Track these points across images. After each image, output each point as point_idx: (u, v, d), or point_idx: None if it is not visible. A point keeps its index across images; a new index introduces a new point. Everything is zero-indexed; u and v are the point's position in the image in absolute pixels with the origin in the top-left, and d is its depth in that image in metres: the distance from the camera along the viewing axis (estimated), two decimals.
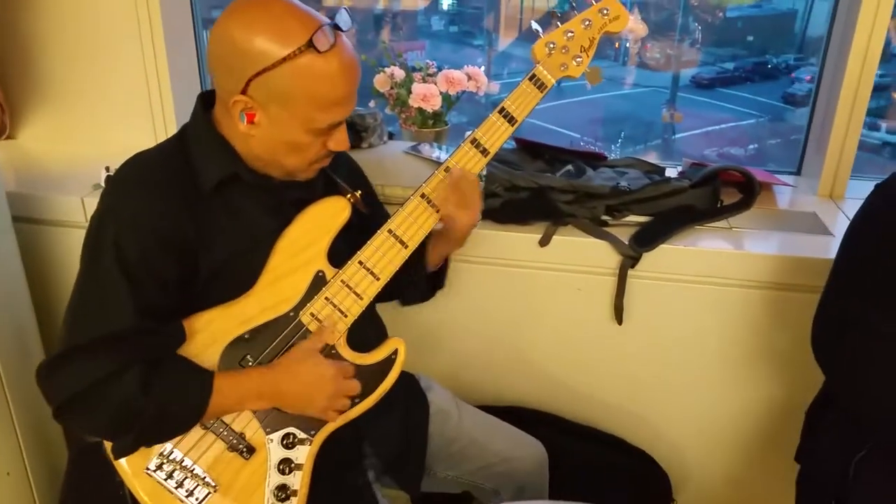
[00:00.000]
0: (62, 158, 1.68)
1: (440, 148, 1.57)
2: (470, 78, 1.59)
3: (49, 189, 1.54)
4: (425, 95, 1.56)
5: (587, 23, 1.06)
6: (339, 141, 0.99)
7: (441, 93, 1.58)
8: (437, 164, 1.46)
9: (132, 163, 1.00)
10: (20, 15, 1.61)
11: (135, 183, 0.96)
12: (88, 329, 0.92)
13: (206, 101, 1.01)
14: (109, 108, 1.71)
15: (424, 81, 1.59)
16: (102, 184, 1.53)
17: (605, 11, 1.05)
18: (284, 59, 0.88)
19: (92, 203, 1.48)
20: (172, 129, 1.73)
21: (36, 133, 1.72)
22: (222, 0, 0.99)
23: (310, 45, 0.88)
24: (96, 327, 0.92)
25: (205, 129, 0.99)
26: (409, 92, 1.58)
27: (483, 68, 1.63)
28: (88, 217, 1.45)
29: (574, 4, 1.06)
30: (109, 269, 0.92)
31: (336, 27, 0.92)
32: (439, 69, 1.61)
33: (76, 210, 1.51)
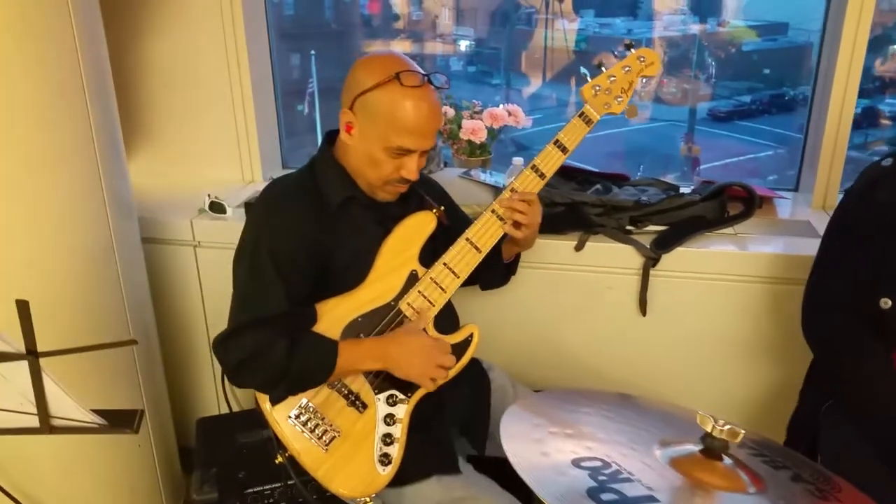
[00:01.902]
0: (165, 190, 2.10)
1: (487, 172, 1.96)
2: (510, 114, 1.99)
3: (163, 213, 1.94)
4: (474, 129, 1.96)
5: (627, 69, 1.38)
6: (410, 170, 1.30)
7: (486, 127, 1.97)
8: (487, 185, 1.86)
9: (274, 187, 1.38)
10: (136, 75, 2.05)
11: (279, 202, 1.34)
12: (251, 312, 1.29)
13: (330, 137, 1.40)
14: (203, 148, 2.14)
15: (472, 118, 1.99)
16: (207, 209, 1.94)
17: (641, 59, 1.38)
18: (378, 85, 1.25)
19: (199, 224, 1.90)
20: (257, 165, 2.16)
21: (140, 168, 2.14)
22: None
23: (396, 77, 1.25)
24: (257, 310, 1.29)
25: (329, 159, 1.37)
26: (460, 127, 1.98)
27: (502, 106, 2.00)
28: (196, 236, 1.86)
29: (616, 53, 1.39)
30: (265, 267, 1.28)
31: (429, 79, 1.30)
32: (483, 108, 2.02)
33: (186, 230, 1.92)
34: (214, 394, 2.06)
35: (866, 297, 1.28)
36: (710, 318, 1.79)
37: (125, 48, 1.99)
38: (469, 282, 1.42)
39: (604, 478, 0.71)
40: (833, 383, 1.38)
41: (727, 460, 0.78)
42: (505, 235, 1.41)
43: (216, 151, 2.12)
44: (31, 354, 0.75)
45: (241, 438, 1.64)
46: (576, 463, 0.74)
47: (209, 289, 1.98)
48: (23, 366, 0.76)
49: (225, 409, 1.88)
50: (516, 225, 1.40)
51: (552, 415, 0.89)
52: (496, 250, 1.44)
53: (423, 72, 1.29)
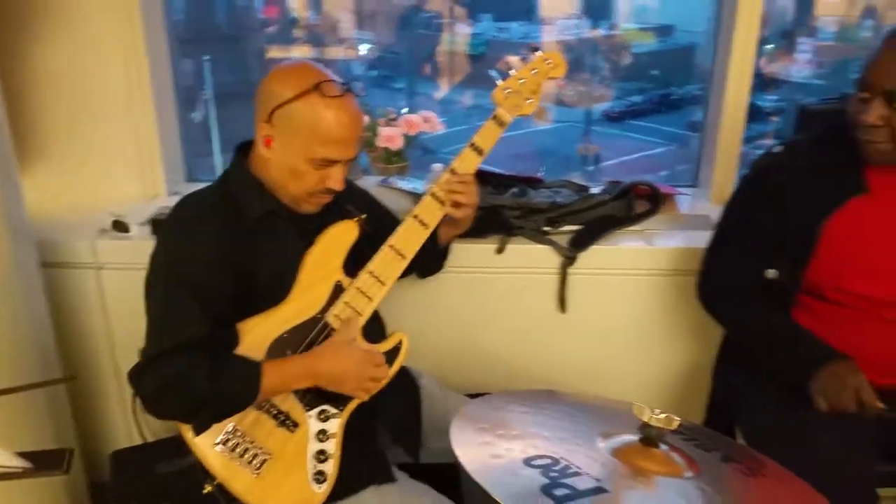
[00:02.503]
0: (63, 209, 1.98)
1: (405, 180, 1.98)
2: (426, 121, 2.02)
3: (61, 235, 1.84)
4: (390, 137, 1.97)
5: (534, 71, 1.42)
6: (336, 180, 1.29)
7: (403, 134, 1.99)
8: (406, 192, 1.88)
9: (185, 204, 1.34)
10: (27, 86, 1.92)
11: (193, 220, 1.31)
12: (168, 339, 1.25)
13: (243, 150, 1.37)
14: (103, 163, 2.02)
15: (388, 125, 2.00)
16: (109, 228, 1.85)
17: (547, 61, 1.43)
18: (297, 97, 1.24)
19: (101, 244, 1.81)
20: (160, 179, 2.07)
21: (35, 186, 1.99)
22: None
23: (317, 88, 1.25)
24: (175, 337, 1.24)
25: (244, 173, 1.34)
26: (376, 135, 1.98)
27: (406, 110, 2.04)
28: (98, 257, 1.78)
29: (523, 57, 1.44)
30: (180, 291, 1.25)
31: (349, 89, 1.30)
32: (398, 115, 2.03)
33: (87, 252, 1.83)
34: (125, 425, 1.97)
35: (755, 268, 1.48)
36: (625, 310, 1.89)
37: (15, 57, 1.86)
38: (407, 271, 1.43)
39: (555, 474, 0.75)
40: (735, 342, 1.60)
41: (664, 447, 0.84)
42: (432, 238, 1.44)
43: (116, 166, 2.02)
44: None
45: (161, 469, 1.57)
46: (527, 462, 0.78)
47: (114, 313, 1.89)
48: None
49: (138, 441, 1.80)
50: (456, 205, 1.43)
51: (495, 418, 0.92)
52: (433, 236, 1.46)
53: (341, 81, 1.29)
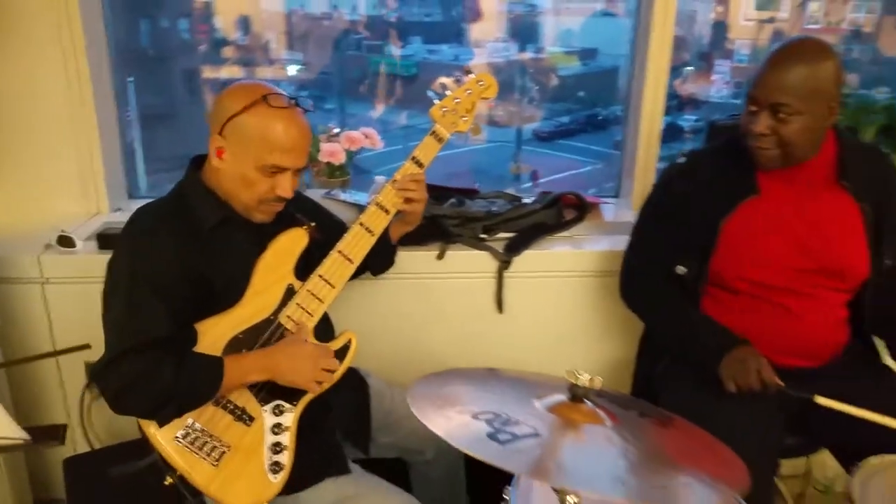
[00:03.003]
0: (6, 225, 2.03)
1: (347, 192, 2.11)
2: (366, 137, 2.17)
3: (5, 250, 1.89)
4: (332, 152, 2.11)
5: (469, 91, 1.59)
6: (284, 188, 1.40)
7: (345, 150, 2.13)
8: (350, 203, 2.02)
9: (143, 215, 1.43)
10: None
11: (151, 228, 1.40)
12: (131, 338, 1.33)
13: (197, 163, 1.48)
14: (45, 181, 2.08)
15: (329, 141, 2.14)
16: (54, 243, 1.91)
17: (480, 83, 1.60)
18: (246, 108, 1.36)
19: (47, 259, 1.88)
20: (103, 196, 2.14)
21: None
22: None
23: (265, 99, 1.37)
24: (138, 335, 1.33)
25: (198, 183, 1.45)
26: (318, 150, 2.12)
27: (337, 130, 2.17)
28: (43, 272, 1.84)
29: (457, 78, 1.60)
30: (143, 294, 1.34)
31: (296, 102, 1.44)
32: (340, 131, 2.18)
33: (32, 267, 1.88)
34: (71, 435, 2.00)
35: (667, 265, 1.68)
36: (556, 309, 2.09)
37: None
38: (359, 271, 1.57)
39: (498, 424, 0.90)
40: (651, 333, 1.80)
41: (589, 403, 1.00)
42: (385, 236, 1.59)
43: (60, 184, 2.07)
44: None
45: (115, 472, 1.63)
46: (474, 416, 0.92)
47: (60, 327, 1.94)
48: None
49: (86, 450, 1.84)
50: (408, 201, 1.57)
51: (441, 393, 1.07)
52: (385, 235, 1.60)
53: (288, 95, 1.42)
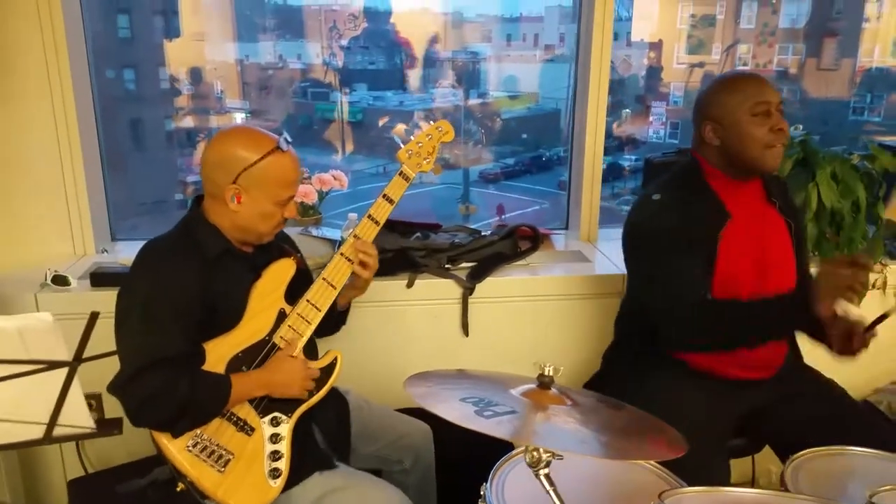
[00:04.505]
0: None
1: (320, 229, 2.36)
2: (335, 178, 2.43)
3: (3, 289, 2.05)
4: (305, 193, 2.36)
5: (430, 136, 1.83)
6: (292, 210, 1.68)
7: (317, 190, 2.39)
8: (325, 239, 2.26)
9: (155, 246, 1.65)
10: None
11: (165, 256, 1.63)
12: (149, 355, 1.53)
13: (197, 201, 1.72)
14: (33, 225, 2.27)
15: (302, 183, 2.39)
16: (49, 282, 2.09)
17: (440, 129, 1.85)
18: (262, 157, 1.61)
19: (44, 297, 2.05)
20: (89, 239, 2.34)
21: None
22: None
23: (277, 147, 1.63)
24: (156, 352, 1.54)
25: (202, 219, 1.68)
26: None
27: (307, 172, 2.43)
28: (41, 309, 2.02)
29: (419, 124, 1.89)
30: (160, 314, 1.55)
31: (287, 140, 1.69)
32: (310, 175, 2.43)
33: (30, 305, 2.06)
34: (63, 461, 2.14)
35: (701, 292, 1.73)
36: (516, 330, 2.36)
37: None
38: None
39: (482, 405, 1.15)
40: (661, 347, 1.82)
41: (554, 390, 1.26)
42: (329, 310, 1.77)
43: (47, 226, 2.27)
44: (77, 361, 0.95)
45: (121, 490, 1.79)
46: (462, 399, 1.17)
47: None
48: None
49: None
50: (363, 265, 1.80)
51: (428, 386, 1.32)
52: (333, 303, 1.78)
53: (275, 135, 1.67)
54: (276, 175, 1.63)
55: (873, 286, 2.46)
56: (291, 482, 1.67)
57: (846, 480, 1.38)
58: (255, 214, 1.65)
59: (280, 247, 1.80)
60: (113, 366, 1.53)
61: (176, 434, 1.58)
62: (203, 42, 5.77)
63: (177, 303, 1.57)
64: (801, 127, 2.53)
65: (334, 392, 1.92)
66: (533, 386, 1.28)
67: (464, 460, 1.66)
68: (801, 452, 1.56)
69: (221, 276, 1.66)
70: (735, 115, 1.73)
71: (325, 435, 1.84)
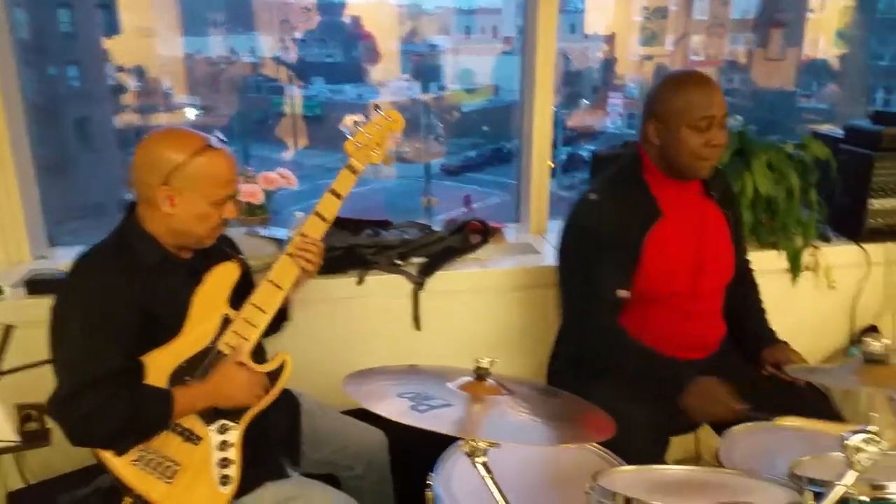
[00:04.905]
0: None
1: (268, 229, 2.35)
2: (283, 177, 2.42)
3: None
4: (251, 192, 2.35)
5: (378, 126, 1.76)
6: (231, 210, 1.64)
7: (263, 189, 2.38)
8: (272, 239, 2.26)
9: (89, 257, 1.62)
10: None
11: (100, 269, 1.60)
12: (86, 372, 1.51)
13: (131, 208, 1.68)
14: None
15: (246, 182, 2.38)
16: None
17: (388, 118, 1.78)
18: (192, 156, 1.57)
19: None
20: (24, 245, 2.31)
21: None
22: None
23: (208, 146, 1.61)
24: (93, 368, 1.51)
25: (137, 227, 1.65)
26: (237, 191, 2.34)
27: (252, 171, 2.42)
28: None
29: (366, 115, 1.80)
30: (95, 329, 1.52)
31: (219, 138, 1.68)
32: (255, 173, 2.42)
33: None
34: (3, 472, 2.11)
35: (612, 295, 1.83)
36: (467, 323, 2.39)
37: None
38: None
39: (419, 399, 1.17)
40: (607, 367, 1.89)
41: (490, 381, 1.29)
42: None
43: None
44: None
45: (63, 501, 1.78)
46: (399, 395, 1.19)
47: None
48: None
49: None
50: (308, 262, 1.78)
51: (370, 382, 1.33)
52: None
53: (208, 136, 1.66)
54: (208, 174, 1.60)
55: (807, 268, 2.58)
56: (243, 490, 1.66)
57: (776, 454, 1.43)
58: (191, 216, 1.62)
59: (222, 250, 1.77)
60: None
61: (120, 452, 1.56)
62: (149, 37, 5.68)
63: (114, 316, 1.54)
64: (739, 118, 2.61)
65: (287, 393, 1.91)
66: (470, 378, 1.30)
67: (423, 460, 1.63)
68: (734, 427, 1.62)
69: (161, 284, 1.63)
70: (676, 121, 1.79)
71: (277, 437, 1.84)
